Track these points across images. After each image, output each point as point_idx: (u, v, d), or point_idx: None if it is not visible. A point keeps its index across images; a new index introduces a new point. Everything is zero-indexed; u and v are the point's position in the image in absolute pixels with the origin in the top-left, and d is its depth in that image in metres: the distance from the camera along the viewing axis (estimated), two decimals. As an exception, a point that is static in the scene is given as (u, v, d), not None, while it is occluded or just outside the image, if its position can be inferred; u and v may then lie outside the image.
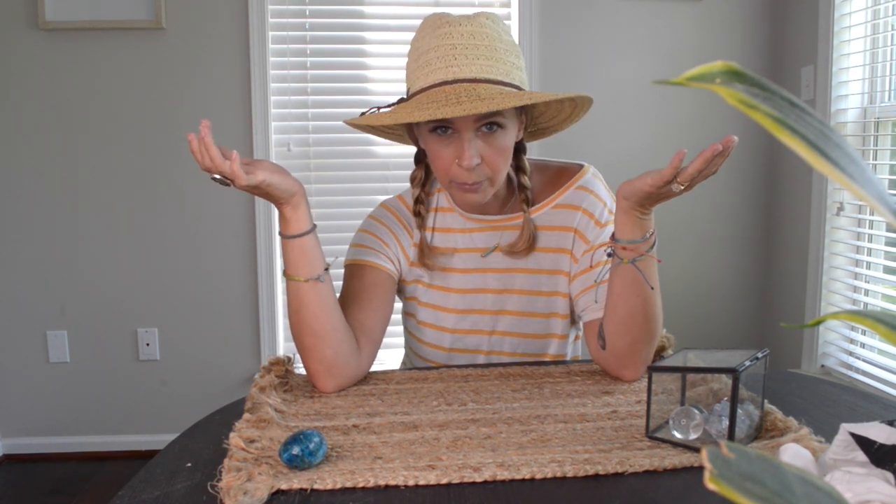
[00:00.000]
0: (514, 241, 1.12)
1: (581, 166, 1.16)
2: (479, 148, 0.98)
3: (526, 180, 1.13)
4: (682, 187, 0.84)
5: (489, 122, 0.98)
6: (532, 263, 1.14)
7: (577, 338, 1.26)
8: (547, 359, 1.17)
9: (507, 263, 1.14)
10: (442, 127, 0.99)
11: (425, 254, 1.13)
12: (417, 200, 1.15)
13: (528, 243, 1.11)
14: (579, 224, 1.12)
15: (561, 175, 1.16)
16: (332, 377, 0.98)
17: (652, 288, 0.96)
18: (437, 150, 1.01)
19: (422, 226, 1.15)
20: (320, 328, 0.97)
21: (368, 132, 1.15)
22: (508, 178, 1.14)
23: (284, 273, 0.98)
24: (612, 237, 0.95)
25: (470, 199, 1.04)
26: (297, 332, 0.99)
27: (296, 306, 0.98)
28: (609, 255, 0.96)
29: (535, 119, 1.15)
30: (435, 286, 1.16)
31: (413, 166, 1.19)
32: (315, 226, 0.97)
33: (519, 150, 1.12)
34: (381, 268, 1.12)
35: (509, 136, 1.02)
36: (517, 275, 1.14)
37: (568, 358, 1.20)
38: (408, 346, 1.27)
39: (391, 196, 1.22)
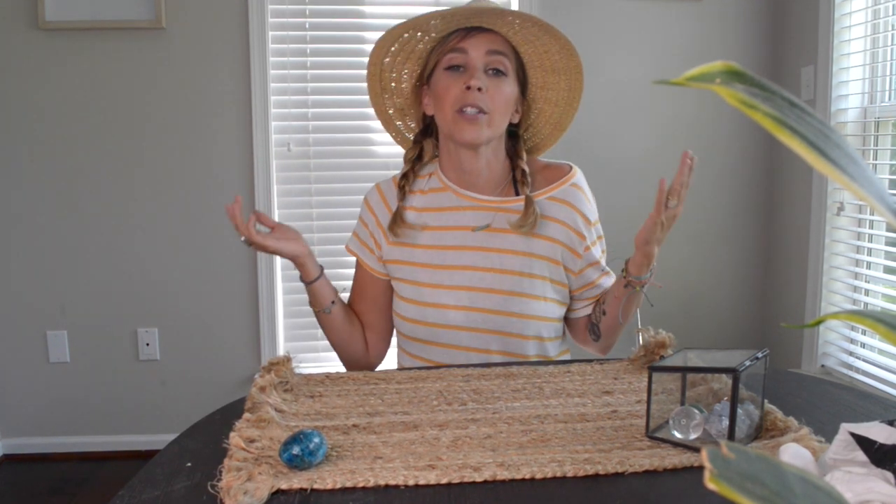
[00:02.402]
0: (520, 217, 1.18)
1: (570, 166, 1.26)
2: (485, 81, 1.13)
3: (524, 165, 1.22)
4: (676, 202, 1.04)
5: (495, 67, 1.15)
6: (522, 246, 1.19)
7: (556, 340, 1.29)
8: (528, 340, 1.21)
9: (498, 243, 1.19)
10: (456, 65, 1.15)
11: (396, 223, 1.21)
12: (404, 176, 1.24)
13: (534, 220, 1.18)
14: (576, 224, 1.21)
15: (550, 170, 1.25)
16: (350, 368, 1.28)
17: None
18: (449, 83, 1.14)
19: (402, 197, 1.23)
20: (334, 342, 1.27)
21: (375, 95, 1.26)
22: (503, 161, 1.24)
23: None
24: (626, 271, 1.12)
25: (469, 133, 1.13)
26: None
27: (320, 326, 1.26)
28: (626, 286, 1.14)
29: (531, 125, 1.27)
30: (421, 263, 1.21)
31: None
32: (321, 274, 1.20)
33: (517, 137, 1.25)
34: (373, 272, 1.27)
35: (510, 85, 1.16)
36: (507, 255, 1.19)
37: (546, 339, 1.24)
38: (395, 327, 1.30)
39: (387, 178, 1.30)
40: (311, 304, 1.23)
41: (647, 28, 2.54)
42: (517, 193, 1.22)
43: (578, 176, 1.24)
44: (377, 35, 2.64)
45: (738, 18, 2.56)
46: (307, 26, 2.49)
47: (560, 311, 1.24)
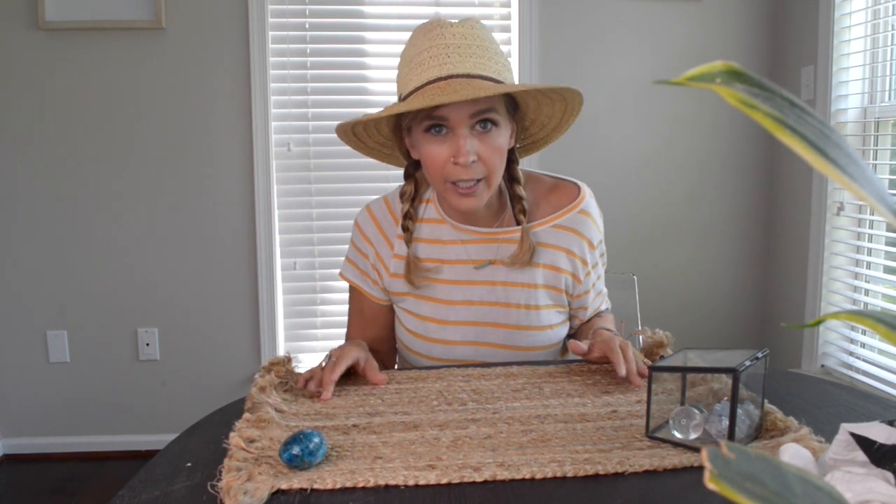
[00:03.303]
0: (514, 253, 1.13)
1: (578, 187, 1.18)
2: (475, 146, 1.00)
3: (521, 191, 1.13)
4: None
5: (483, 119, 1.00)
6: (527, 278, 1.15)
7: (563, 353, 1.29)
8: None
9: (502, 276, 1.14)
10: (437, 126, 1.01)
11: (411, 271, 1.14)
12: (406, 216, 1.15)
13: (529, 255, 1.12)
14: (581, 251, 1.16)
15: (557, 192, 1.17)
16: None
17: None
18: (433, 151, 1.02)
19: (409, 241, 1.15)
20: None
21: (359, 150, 1.17)
22: (500, 190, 1.15)
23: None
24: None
25: (466, 204, 1.05)
26: None
27: None
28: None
29: (526, 129, 1.16)
30: (425, 297, 1.16)
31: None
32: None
33: (511, 160, 1.13)
34: (376, 300, 1.21)
35: (503, 135, 1.04)
36: (512, 288, 1.15)
37: (552, 362, 1.22)
38: (398, 349, 1.28)
39: (378, 198, 1.22)
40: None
41: (647, 28, 2.54)
42: (518, 222, 1.14)
43: (587, 200, 1.17)
44: (377, 35, 2.65)
45: (738, 18, 2.56)
46: (307, 26, 2.49)
47: (565, 330, 1.22)
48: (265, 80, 2.44)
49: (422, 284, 1.15)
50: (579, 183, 1.19)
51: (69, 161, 2.45)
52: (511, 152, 1.12)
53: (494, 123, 1.02)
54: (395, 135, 1.13)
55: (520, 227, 1.13)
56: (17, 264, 2.49)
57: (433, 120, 1.00)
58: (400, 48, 1.08)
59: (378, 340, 1.23)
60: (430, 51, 1.00)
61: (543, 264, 1.15)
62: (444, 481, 0.70)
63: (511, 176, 1.14)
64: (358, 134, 1.14)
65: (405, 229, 1.15)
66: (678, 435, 0.78)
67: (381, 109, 1.04)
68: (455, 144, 1.00)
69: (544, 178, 1.20)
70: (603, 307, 1.28)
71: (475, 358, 1.16)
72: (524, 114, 1.11)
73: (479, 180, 1.03)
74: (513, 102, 1.07)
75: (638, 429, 0.82)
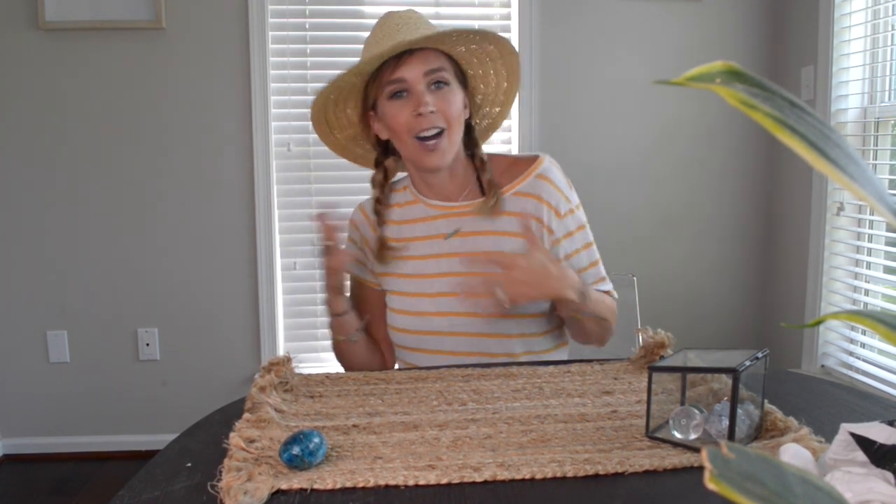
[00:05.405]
0: (481, 202, 1.20)
1: (536, 156, 1.24)
2: (432, 100, 1.13)
3: (481, 153, 1.23)
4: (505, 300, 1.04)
5: (436, 81, 1.14)
6: (493, 246, 1.19)
7: (563, 345, 1.29)
8: (512, 339, 1.20)
9: (470, 247, 1.20)
10: (398, 92, 1.14)
11: (382, 251, 1.24)
12: (377, 201, 1.27)
13: (495, 201, 1.19)
14: (546, 217, 1.20)
15: (517, 164, 1.24)
16: None
17: (604, 318, 1.19)
18: (397, 112, 1.14)
19: (381, 223, 1.26)
20: (355, 367, 1.25)
21: (331, 144, 1.32)
22: (464, 165, 1.23)
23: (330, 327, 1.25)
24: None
25: (432, 160, 1.14)
26: (340, 363, 1.27)
27: (336, 353, 1.27)
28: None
29: (479, 106, 1.27)
30: (403, 274, 1.23)
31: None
32: (348, 310, 1.22)
33: (469, 129, 1.24)
34: (370, 284, 1.29)
35: (456, 94, 1.16)
36: (480, 257, 1.18)
37: (533, 335, 1.22)
38: (391, 336, 1.30)
39: (368, 199, 1.32)
40: (336, 333, 1.23)
41: (647, 28, 2.54)
42: (483, 193, 1.22)
43: (545, 165, 1.22)
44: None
45: (738, 18, 2.56)
46: (307, 26, 2.49)
47: (542, 306, 1.20)
48: (265, 80, 2.44)
49: (390, 261, 1.23)
50: (540, 154, 1.25)
51: (69, 161, 2.45)
52: (468, 124, 1.23)
53: (446, 83, 1.15)
54: (363, 123, 1.24)
55: (484, 196, 1.21)
56: (17, 264, 2.49)
57: (394, 84, 1.13)
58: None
59: (377, 328, 1.29)
60: (381, 29, 1.16)
61: (507, 232, 1.19)
62: (444, 481, 0.70)
63: (471, 143, 1.24)
64: (330, 121, 1.26)
65: (376, 213, 1.25)
66: (678, 435, 0.78)
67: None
68: (415, 100, 1.12)
69: (506, 156, 1.28)
70: (600, 287, 1.24)
71: (450, 329, 1.19)
72: (471, 81, 1.22)
73: (440, 133, 1.13)
74: (461, 72, 1.19)
75: (638, 429, 0.82)
